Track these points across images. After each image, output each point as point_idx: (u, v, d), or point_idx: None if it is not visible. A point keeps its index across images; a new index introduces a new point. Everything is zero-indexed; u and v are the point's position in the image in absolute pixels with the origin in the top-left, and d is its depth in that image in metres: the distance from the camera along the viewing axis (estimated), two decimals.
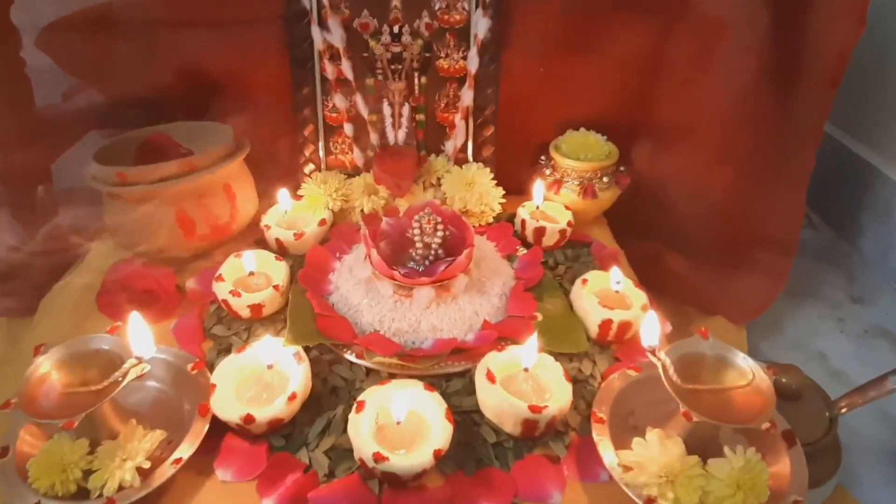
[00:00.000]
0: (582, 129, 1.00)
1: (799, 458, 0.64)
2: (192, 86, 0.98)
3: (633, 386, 0.71)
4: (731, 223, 1.06)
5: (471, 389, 0.69)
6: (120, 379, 0.60)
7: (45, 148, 1.04)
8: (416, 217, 0.79)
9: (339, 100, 0.94)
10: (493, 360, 0.68)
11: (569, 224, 0.92)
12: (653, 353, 0.63)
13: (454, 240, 0.80)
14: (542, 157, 1.01)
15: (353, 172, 1.00)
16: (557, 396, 0.66)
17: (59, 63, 0.99)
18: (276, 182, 0.97)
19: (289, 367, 0.68)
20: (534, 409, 0.62)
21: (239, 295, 0.77)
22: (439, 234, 0.78)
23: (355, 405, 0.63)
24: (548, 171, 0.98)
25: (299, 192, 0.96)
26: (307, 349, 0.71)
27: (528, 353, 0.67)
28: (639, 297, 0.79)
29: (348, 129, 0.96)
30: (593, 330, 0.76)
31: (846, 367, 1.06)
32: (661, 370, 0.62)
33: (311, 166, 1.00)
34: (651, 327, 0.64)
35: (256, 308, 0.78)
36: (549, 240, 0.91)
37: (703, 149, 1.02)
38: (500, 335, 0.74)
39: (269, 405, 0.64)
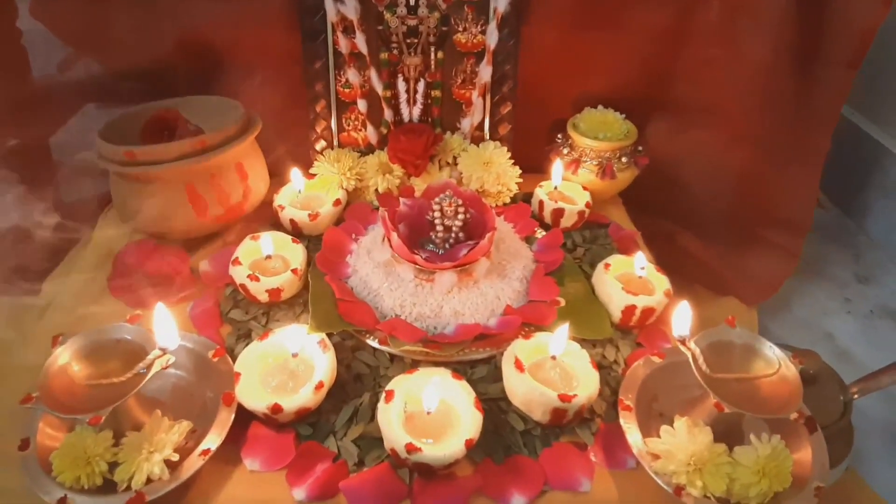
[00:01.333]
0: (600, 107, 1.00)
1: (820, 444, 0.66)
2: (197, 58, 0.96)
3: (657, 372, 0.72)
4: (744, 203, 1.07)
5: (496, 376, 0.70)
6: (144, 371, 0.60)
7: (45, 121, 1.03)
8: (437, 199, 0.78)
9: (352, 75, 0.93)
10: (520, 348, 0.69)
11: (587, 205, 0.92)
12: (683, 342, 0.64)
13: (474, 222, 0.80)
14: (559, 136, 1.00)
15: (365, 150, 0.99)
16: (585, 384, 0.66)
17: (55, 32, 0.97)
18: (286, 159, 0.96)
19: (314, 354, 0.68)
20: (564, 398, 0.63)
21: (257, 279, 0.76)
22: (460, 216, 0.78)
23: (384, 395, 0.63)
24: (566, 151, 0.98)
25: (312, 171, 0.95)
26: (329, 335, 0.71)
27: (558, 341, 0.68)
28: (661, 282, 0.79)
29: (362, 105, 0.95)
30: (616, 315, 0.77)
31: (853, 348, 1.09)
32: (691, 360, 0.63)
33: (322, 143, 0.99)
34: (683, 318, 0.65)
35: (275, 292, 0.77)
36: (567, 221, 0.91)
37: (720, 127, 1.02)
38: (524, 321, 0.75)
39: (295, 394, 0.64)
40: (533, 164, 1.02)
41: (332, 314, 0.73)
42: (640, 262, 0.79)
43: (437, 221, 0.78)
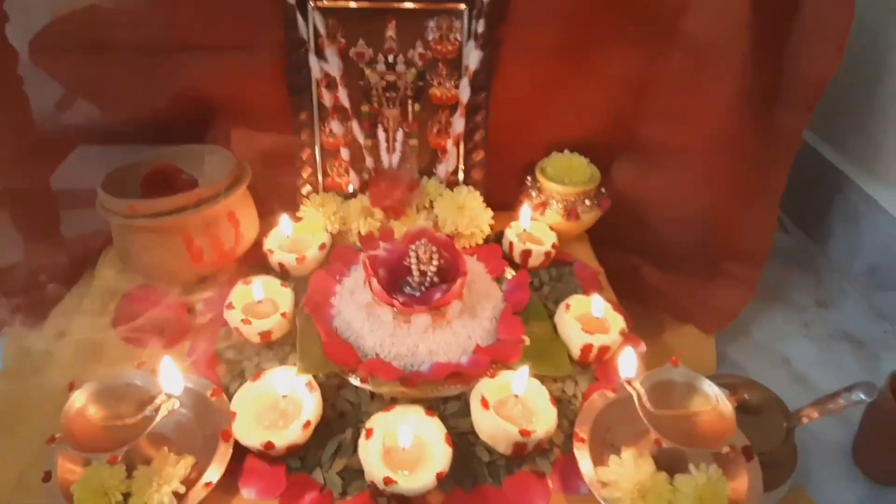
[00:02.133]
0: (566, 152, 1.10)
1: (756, 471, 0.76)
2: (191, 108, 1.05)
3: (611, 406, 0.82)
4: (706, 238, 1.16)
5: (466, 411, 0.80)
6: (152, 414, 0.70)
7: (46, 161, 1.11)
8: (413, 247, 0.88)
9: (335, 126, 1.03)
10: (486, 387, 0.79)
11: (553, 246, 1.03)
12: (629, 383, 0.74)
13: (448, 266, 0.90)
14: (529, 179, 1.11)
15: (349, 194, 1.09)
16: (544, 420, 0.77)
17: (56, 79, 1.06)
18: (275, 202, 1.06)
19: (302, 395, 0.78)
20: (524, 433, 0.74)
21: (249, 323, 0.86)
22: (434, 262, 0.88)
23: (364, 432, 0.74)
24: (534, 193, 1.08)
25: (299, 214, 1.05)
26: (316, 377, 0.81)
27: (519, 380, 0.78)
28: (617, 321, 0.90)
29: (345, 153, 1.05)
30: (575, 352, 0.87)
31: (809, 372, 1.17)
32: (636, 399, 0.73)
33: (308, 187, 1.09)
34: (628, 361, 0.75)
35: (265, 334, 0.87)
36: (535, 261, 1.02)
37: (683, 169, 1.11)
38: (492, 359, 0.85)
39: (285, 431, 0.74)
40: (506, 203, 1.12)
41: (318, 356, 0.83)
42: (596, 305, 0.90)
43: (413, 267, 0.88)
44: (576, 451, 0.75)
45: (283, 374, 0.79)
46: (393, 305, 0.85)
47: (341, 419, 0.81)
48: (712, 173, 1.09)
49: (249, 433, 0.75)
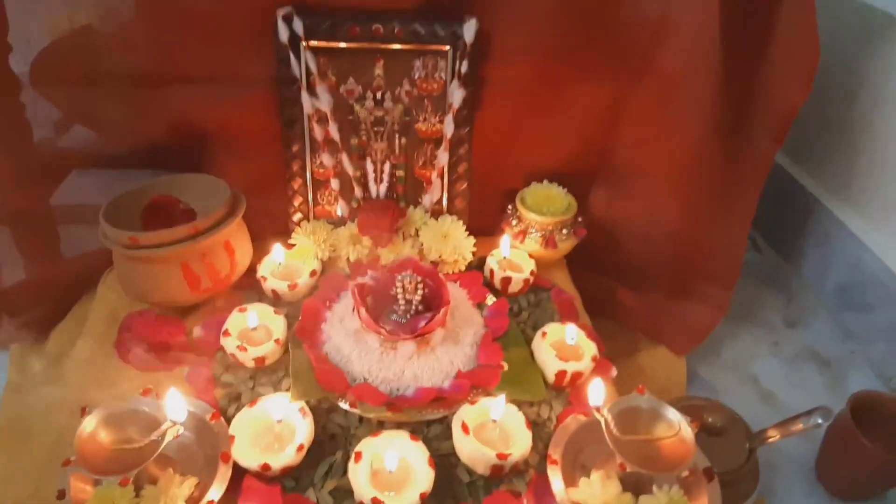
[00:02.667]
0: (545, 182, 1.18)
1: (716, 491, 0.83)
2: (186, 137, 1.11)
3: (582, 429, 0.89)
4: (678, 261, 1.24)
5: (448, 434, 0.88)
6: (159, 438, 0.77)
7: (46, 184, 1.17)
8: (399, 277, 0.96)
9: (326, 158, 1.10)
10: (467, 413, 0.87)
11: (532, 273, 1.10)
12: (597, 411, 0.82)
13: (432, 294, 0.97)
14: (510, 207, 1.19)
15: (338, 222, 1.16)
16: (520, 444, 0.85)
17: (56, 106, 1.12)
18: (267, 229, 1.13)
19: (295, 419, 0.86)
20: (501, 456, 0.81)
21: (245, 349, 0.94)
22: (419, 292, 0.95)
23: (353, 455, 0.81)
24: (514, 222, 1.16)
25: (290, 241, 1.13)
26: (309, 401, 0.89)
27: (497, 407, 0.86)
28: (590, 348, 0.98)
29: (335, 183, 1.12)
30: (550, 378, 0.95)
31: (776, 390, 1.25)
32: (603, 426, 0.81)
33: (299, 215, 1.16)
34: (597, 391, 0.83)
35: (260, 360, 0.94)
36: (514, 287, 1.10)
37: (656, 195, 1.19)
38: (473, 384, 0.93)
39: (281, 453, 0.82)
40: (487, 228, 1.19)
41: (310, 382, 0.90)
42: (571, 333, 0.98)
43: (399, 296, 0.96)
44: (549, 472, 0.83)
45: (277, 400, 0.86)
46: (380, 333, 0.93)
47: (332, 441, 0.88)
48: (682, 198, 1.17)
49: (247, 455, 0.82)
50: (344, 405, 0.90)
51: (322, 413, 0.91)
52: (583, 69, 1.10)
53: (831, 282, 1.42)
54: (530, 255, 1.14)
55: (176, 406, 0.78)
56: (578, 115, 1.15)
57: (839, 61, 1.32)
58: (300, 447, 0.82)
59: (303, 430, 0.84)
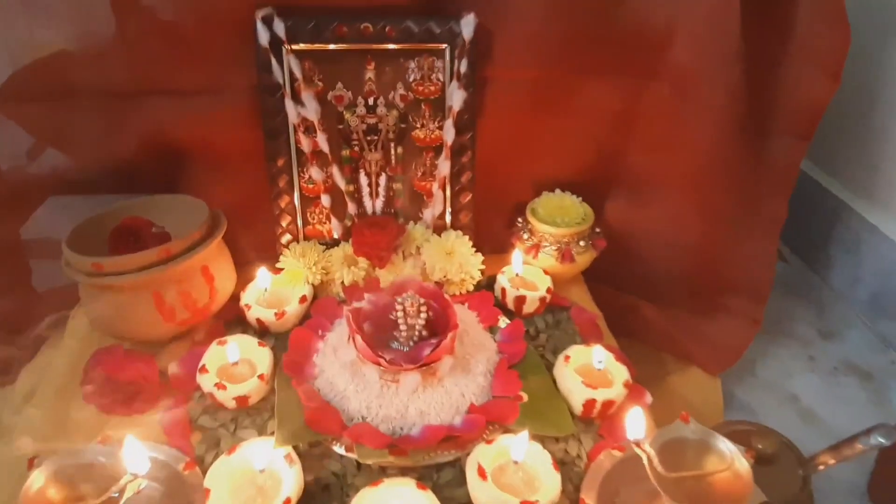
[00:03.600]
0: (557, 191, 1.04)
1: None
2: (162, 156, 0.99)
3: (619, 466, 0.75)
4: (704, 274, 1.12)
5: (462, 480, 0.72)
6: (117, 495, 0.62)
7: (15, 213, 1.04)
8: (400, 300, 0.81)
9: (315, 172, 0.97)
10: (482, 453, 0.72)
11: (548, 290, 0.96)
12: (638, 445, 0.67)
13: (437, 317, 0.83)
14: (520, 220, 1.05)
15: (331, 243, 1.03)
16: (547, 488, 0.70)
17: (23, 127, 0.99)
18: (252, 253, 0.99)
19: (281, 468, 0.71)
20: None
21: (224, 387, 0.79)
22: (422, 315, 0.81)
23: None
24: (525, 236, 1.02)
25: (278, 265, 0.98)
26: (297, 446, 0.74)
27: (519, 446, 0.71)
28: (620, 372, 0.83)
29: (325, 200, 0.99)
30: (577, 408, 0.80)
31: (817, 408, 1.12)
32: (646, 462, 0.67)
33: (288, 236, 1.02)
34: (636, 422, 0.68)
35: (242, 399, 0.80)
36: (530, 307, 0.95)
37: (676, 202, 1.07)
38: (489, 419, 0.78)
39: None
40: (496, 246, 1.06)
41: (298, 423, 0.76)
42: (598, 356, 0.83)
43: (400, 321, 0.81)
44: None
45: (259, 446, 0.71)
46: (379, 364, 0.78)
47: (325, 493, 0.73)
48: (705, 205, 1.06)
49: None
50: (339, 449, 0.75)
51: (313, 460, 0.76)
52: (592, 67, 0.99)
53: (864, 289, 1.31)
54: (545, 272, 0.99)
55: (135, 456, 0.64)
56: (589, 118, 1.04)
57: (861, 54, 1.21)
58: (287, 501, 0.66)
59: (290, 480, 0.69)
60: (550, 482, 0.70)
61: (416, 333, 0.82)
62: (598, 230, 1.03)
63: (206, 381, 0.80)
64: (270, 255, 1.01)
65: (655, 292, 1.13)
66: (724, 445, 0.70)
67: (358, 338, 0.79)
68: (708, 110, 0.98)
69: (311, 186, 1.00)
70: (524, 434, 0.71)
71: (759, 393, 1.15)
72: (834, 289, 1.37)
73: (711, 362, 1.10)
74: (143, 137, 0.98)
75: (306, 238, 1.03)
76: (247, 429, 0.79)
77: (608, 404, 0.80)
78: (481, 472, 0.69)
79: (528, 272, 1.00)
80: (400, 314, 0.81)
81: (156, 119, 0.96)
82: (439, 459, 0.75)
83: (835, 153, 1.36)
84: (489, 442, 0.73)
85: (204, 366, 0.82)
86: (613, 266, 1.10)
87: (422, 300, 0.82)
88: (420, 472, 0.74)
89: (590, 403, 0.79)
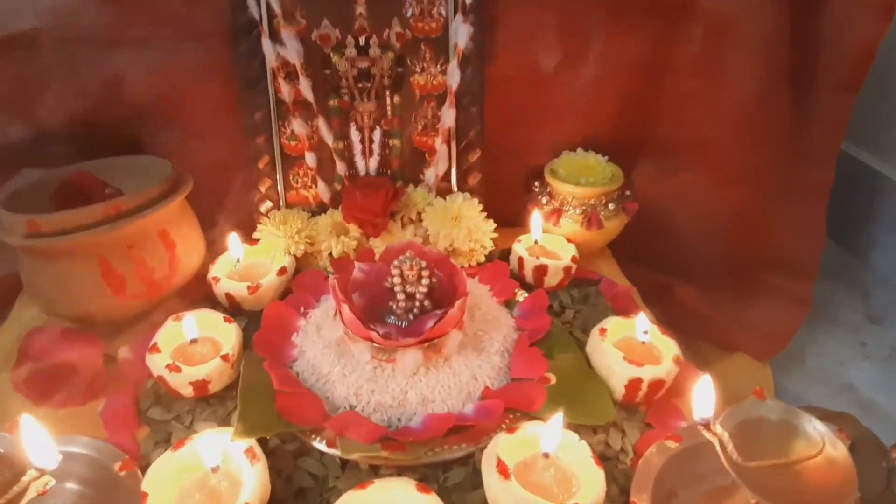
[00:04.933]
0: (579, 150, 0.87)
1: None
2: (123, 113, 0.83)
3: (674, 461, 0.57)
4: (745, 247, 0.95)
5: (476, 481, 0.54)
6: (15, 497, 0.44)
7: None
8: (396, 262, 0.64)
9: (298, 125, 0.80)
10: (503, 446, 0.53)
11: (573, 260, 0.78)
12: (707, 427, 0.49)
13: (442, 287, 0.66)
14: (536, 184, 0.87)
15: (317, 210, 0.85)
16: (588, 488, 0.51)
17: None
18: (228, 225, 0.82)
19: (240, 467, 0.52)
20: None
21: (178, 370, 0.61)
22: (424, 281, 0.64)
23: None
24: (544, 200, 0.84)
25: (255, 236, 0.80)
26: (264, 440, 0.55)
27: (551, 434, 0.52)
28: (668, 347, 0.65)
29: (310, 159, 0.81)
30: (618, 391, 0.62)
31: (876, 397, 0.96)
32: (718, 448, 0.48)
33: (268, 204, 0.85)
34: (705, 397, 0.50)
35: (201, 385, 0.62)
36: (552, 279, 0.77)
37: (712, 166, 0.92)
38: (508, 406, 0.59)
39: None
40: (509, 218, 0.88)
41: (267, 412, 0.58)
42: (642, 325, 0.65)
43: (397, 289, 0.64)
44: None
45: (213, 439, 0.52)
46: (371, 340, 0.61)
47: (300, 499, 0.54)
48: (744, 168, 0.92)
49: None
50: (319, 445, 0.57)
51: (286, 458, 0.57)
52: (617, 10, 0.84)
53: None
54: (568, 241, 0.81)
55: (38, 446, 0.45)
56: (615, 68, 0.87)
57: None
58: None
59: (251, 482, 0.51)
60: (592, 480, 0.51)
61: (417, 305, 0.64)
62: (628, 193, 0.85)
63: (157, 362, 0.62)
64: (249, 226, 0.83)
65: (691, 270, 0.96)
66: (813, 426, 0.52)
67: (345, 307, 0.61)
68: (743, 59, 0.84)
69: (293, 144, 0.83)
70: (557, 418, 0.52)
71: (811, 383, 0.98)
72: (878, 271, 1.21)
73: (758, 347, 0.91)
74: (101, 93, 0.82)
75: (289, 205, 0.85)
76: (206, 422, 0.62)
77: (656, 385, 0.61)
78: (502, 469, 0.51)
79: (549, 241, 0.82)
80: (397, 280, 0.64)
81: (117, 70, 0.81)
82: (447, 456, 0.57)
83: (871, 125, 1.20)
84: (511, 431, 0.55)
85: (156, 344, 0.64)
86: (643, 241, 0.93)
87: (423, 263, 0.64)
88: (422, 473, 0.56)
89: (634, 384, 0.61)
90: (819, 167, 0.89)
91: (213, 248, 0.81)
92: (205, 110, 0.82)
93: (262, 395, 0.60)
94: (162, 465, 0.53)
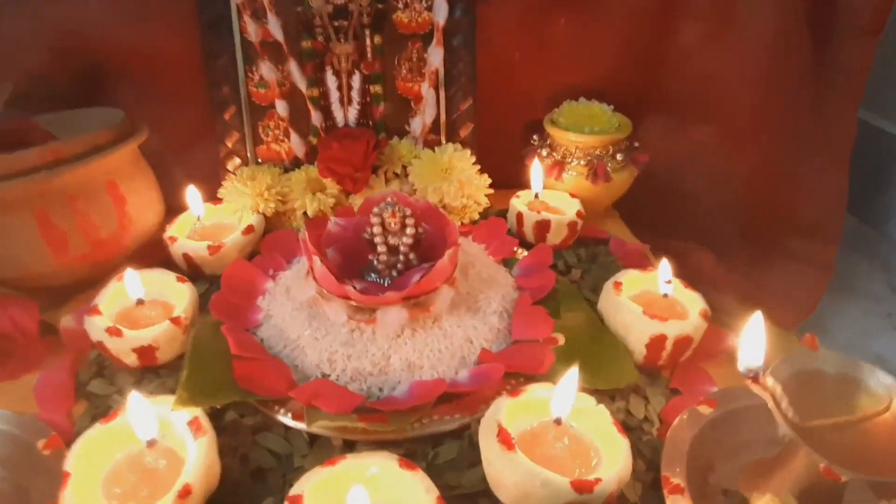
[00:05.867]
0: (582, 99, 0.77)
1: None
2: (74, 66, 0.74)
3: (708, 430, 0.47)
4: (762, 210, 0.86)
5: (473, 458, 0.44)
6: None
7: None
8: (376, 209, 0.54)
9: (266, 70, 0.70)
10: (503, 411, 0.43)
11: (578, 215, 0.68)
12: (755, 380, 0.39)
13: (430, 240, 0.56)
14: (535, 138, 0.77)
15: (290, 166, 0.75)
16: (611, 459, 0.41)
17: None
18: (189, 183, 0.71)
19: (184, 442, 0.42)
20: (580, 485, 0.38)
21: (120, 333, 0.50)
22: (409, 230, 0.54)
23: (287, 502, 0.37)
24: (544, 152, 0.74)
25: (219, 194, 0.70)
26: (219, 415, 0.45)
27: (564, 394, 0.42)
28: (693, 301, 0.55)
29: (281, 108, 0.71)
30: (638, 351, 0.52)
31: None
32: (771, 405, 0.39)
33: (236, 161, 0.75)
34: (754, 342, 0.40)
35: (146, 352, 0.51)
36: (556, 236, 0.67)
37: (725, 120, 0.82)
38: (510, 370, 0.49)
39: None
40: (503, 178, 0.78)
41: (218, 380, 0.47)
42: (665, 273, 0.55)
43: (377, 239, 0.54)
44: None
45: (149, 408, 0.42)
46: (346, 297, 0.50)
47: (259, 482, 0.44)
48: (760, 122, 0.82)
49: None
50: (285, 418, 0.46)
51: (243, 433, 0.47)
52: None
53: None
54: (572, 196, 0.71)
55: None
56: (619, 13, 0.78)
57: None
58: (184, 491, 0.38)
59: (194, 459, 0.39)
60: (614, 452, 0.41)
61: (401, 258, 0.54)
62: (636, 144, 0.75)
63: (96, 326, 0.51)
64: (215, 186, 0.73)
65: (706, 235, 0.86)
66: (878, 379, 0.43)
67: (316, 260, 0.51)
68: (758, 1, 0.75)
69: (262, 91, 0.73)
70: (571, 375, 0.42)
71: None
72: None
73: (786, 315, 0.81)
74: (49, 41, 0.73)
75: (259, 162, 0.75)
76: (153, 396, 0.50)
77: (682, 343, 0.51)
78: (504, 438, 0.40)
79: (551, 197, 0.72)
80: (377, 230, 0.54)
81: (65, 17, 0.71)
82: (437, 428, 0.47)
83: (885, 90, 1.11)
84: (514, 394, 0.44)
85: (96, 306, 0.53)
86: (653, 203, 0.83)
87: (407, 210, 0.54)
88: (407, 449, 0.46)
89: (656, 342, 0.51)
90: (839, 121, 0.79)
91: (177, 212, 0.71)
92: (162, 57, 0.72)
93: (215, 360, 0.49)
94: (90, 441, 0.42)
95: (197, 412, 0.43)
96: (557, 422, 0.42)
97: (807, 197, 0.84)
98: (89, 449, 0.42)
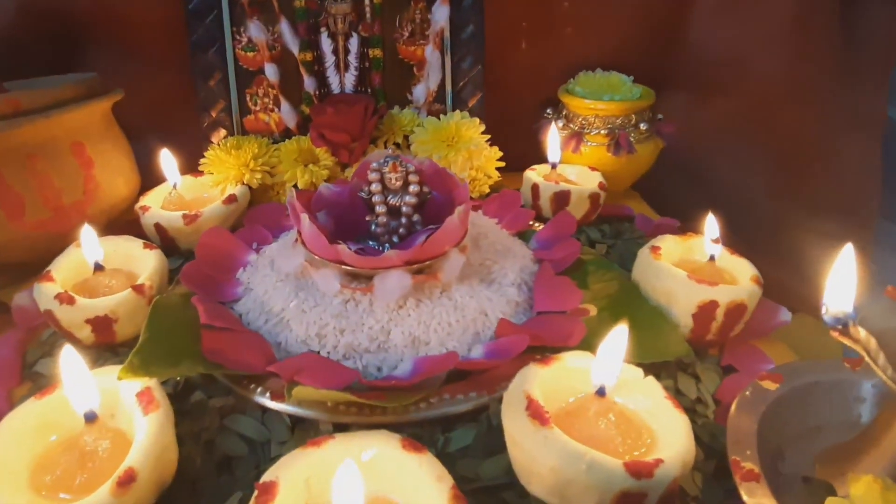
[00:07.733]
0: (599, 70, 0.69)
1: None
2: (49, 28, 0.67)
3: (774, 411, 0.38)
4: (791, 189, 0.78)
5: (492, 444, 0.35)
6: None
7: None
8: (375, 165, 0.46)
9: (255, 30, 0.62)
10: (533, 380, 0.34)
11: (601, 186, 0.60)
12: (845, 331, 0.31)
13: (436, 205, 0.47)
14: (548, 111, 0.70)
15: (280, 138, 0.67)
16: (670, 439, 0.32)
17: None
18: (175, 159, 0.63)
19: (131, 419, 0.33)
20: (636, 467, 0.29)
21: (72, 300, 0.42)
22: (412, 188, 0.46)
23: (256, 491, 0.28)
24: (560, 124, 0.66)
25: (201, 164, 0.62)
26: (178, 394, 0.36)
27: (609, 360, 0.33)
28: (743, 267, 0.46)
29: (271, 72, 0.63)
30: (684, 323, 0.43)
31: None
32: (868, 359, 0.30)
33: (221, 132, 0.67)
34: (841, 284, 0.32)
35: (103, 324, 0.42)
36: (577, 210, 0.59)
37: (753, 91, 0.75)
38: (534, 343, 0.40)
39: (88, 495, 0.29)
40: (514, 158, 0.70)
41: (180, 349, 0.38)
42: (712, 231, 0.46)
43: (376, 198, 0.46)
44: (746, 499, 0.30)
45: (90, 379, 0.33)
46: (339, 260, 0.42)
47: (225, 474, 0.35)
48: (791, 93, 0.74)
49: (13, 499, 0.29)
50: (262, 399, 0.37)
51: (211, 415, 0.38)
52: None
53: None
54: (591, 170, 0.63)
55: None
56: None
57: None
58: (125, 476, 0.29)
59: (143, 440, 0.30)
60: (672, 431, 0.32)
61: (403, 222, 0.46)
62: (660, 116, 0.68)
63: (45, 294, 0.42)
64: (198, 159, 0.64)
65: (736, 217, 0.77)
66: None
67: (304, 218, 0.43)
68: None
69: (249, 55, 0.65)
70: (619, 332, 0.33)
71: None
72: None
73: (817, 301, 0.73)
74: (21, 5, 0.66)
75: (246, 133, 0.67)
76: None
77: (735, 312, 0.43)
78: (536, 412, 0.31)
79: (569, 171, 0.64)
80: (376, 188, 0.45)
81: None
82: (447, 409, 0.38)
83: None
84: (546, 362, 0.35)
85: (49, 273, 0.45)
86: (678, 184, 0.75)
87: (410, 166, 0.46)
88: (410, 434, 0.36)
89: (706, 311, 0.42)
90: (870, 94, 0.73)
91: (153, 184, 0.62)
92: (143, 17, 0.65)
93: (180, 329, 0.40)
94: (19, 419, 0.33)
95: (148, 383, 0.34)
96: (600, 393, 0.33)
97: (838, 175, 0.76)
98: (18, 429, 0.33)
